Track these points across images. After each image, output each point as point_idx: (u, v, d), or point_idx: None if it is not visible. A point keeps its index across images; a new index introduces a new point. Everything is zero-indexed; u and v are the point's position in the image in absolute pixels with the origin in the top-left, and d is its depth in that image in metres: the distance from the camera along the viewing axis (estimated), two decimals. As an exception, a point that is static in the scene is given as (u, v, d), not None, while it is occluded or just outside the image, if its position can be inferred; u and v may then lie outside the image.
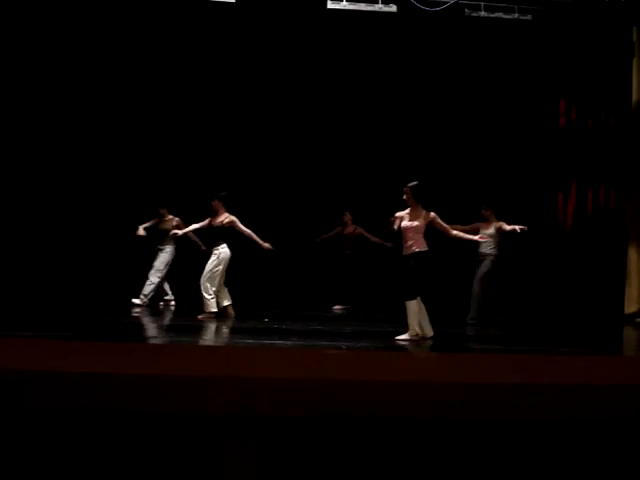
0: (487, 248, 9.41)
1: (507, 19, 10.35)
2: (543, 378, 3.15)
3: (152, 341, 6.97)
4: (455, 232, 7.52)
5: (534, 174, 11.47)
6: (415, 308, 7.20)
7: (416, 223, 7.26)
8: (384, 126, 11.51)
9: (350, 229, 10.85)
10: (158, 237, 10.00)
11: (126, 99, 11.22)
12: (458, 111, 11.44)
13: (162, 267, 9.87)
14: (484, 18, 10.38)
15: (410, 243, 7.28)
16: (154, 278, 9.83)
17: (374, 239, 10.63)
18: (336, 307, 10.58)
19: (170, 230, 9.76)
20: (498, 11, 10.23)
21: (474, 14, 10.26)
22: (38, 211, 10.87)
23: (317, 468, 3.07)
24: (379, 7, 9.80)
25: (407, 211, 7.39)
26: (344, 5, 9.71)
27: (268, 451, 2.95)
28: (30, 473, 2.95)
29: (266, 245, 8.85)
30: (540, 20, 10.72)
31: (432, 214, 7.35)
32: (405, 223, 7.32)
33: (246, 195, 10.92)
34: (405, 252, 7.34)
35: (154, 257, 9.90)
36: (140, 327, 8.37)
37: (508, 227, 9.16)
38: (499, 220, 9.50)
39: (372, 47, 11.23)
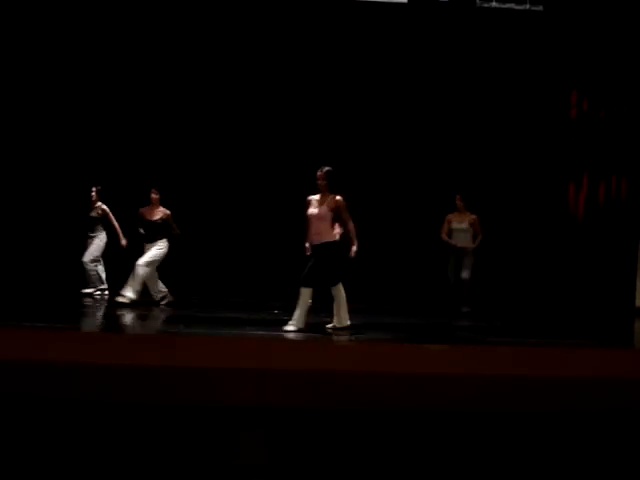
0: (466, 242, 9.35)
1: (518, 10, 10.29)
2: (552, 371, 3.14)
3: (161, 333, 6.99)
4: (351, 227, 7.04)
5: (545, 166, 11.42)
6: (343, 294, 7.05)
7: (320, 210, 6.96)
8: (393, 117, 11.44)
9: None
10: (88, 224, 9.71)
11: (115, 91, 11.06)
12: (469, 102, 11.38)
13: (97, 254, 9.62)
14: (495, 9, 10.32)
15: (317, 232, 7.01)
16: (92, 265, 9.62)
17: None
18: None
19: (98, 217, 9.59)
20: (509, 2, 10.18)
21: (485, 5, 10.21)
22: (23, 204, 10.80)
23: (328, 458, 3.07)
24: (390, -2, 9.76)
25: (317, 197, 7.09)
26: (354, -4, 9.68)
27: (279, 442, 2.96)
28: (49, 465, 2.96)
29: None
30: (551, 11, 10.65)
31: (338, 198, 6.98)
32: (311, 210, 7.02)
33: (247, 186, 10.89)
34: (313, 241, 7.07)
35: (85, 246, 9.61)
36: (147, 318, 8.38)
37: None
38: (472, 213, 9.41)
39: (383, 38, 11.17)
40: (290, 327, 6.99)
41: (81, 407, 2.73)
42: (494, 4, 10.14)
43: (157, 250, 8.92)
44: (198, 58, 11.14)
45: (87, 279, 9.68)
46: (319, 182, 7.03)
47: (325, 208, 6.96)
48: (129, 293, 8.63)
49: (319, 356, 3.23)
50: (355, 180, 10.98)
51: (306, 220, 7.13)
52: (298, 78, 11.23)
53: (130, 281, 8.71)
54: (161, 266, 9.53)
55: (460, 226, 9.39)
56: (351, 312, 9.34)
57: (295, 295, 7.80)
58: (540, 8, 10.32)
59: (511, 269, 10.96)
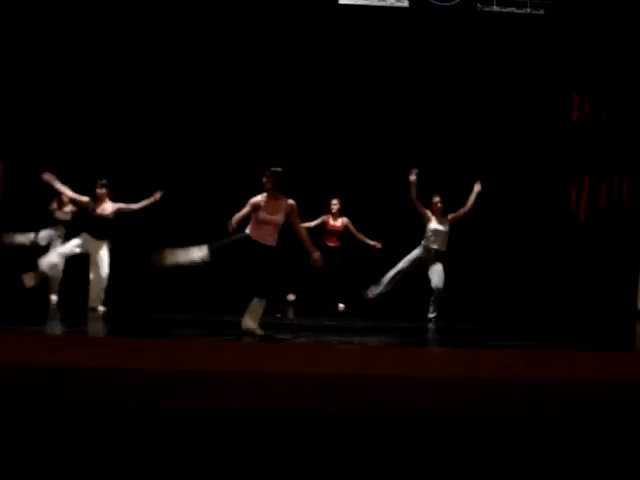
0: (443, 245, 8.78)
1: (519, 14, 10.31)
2: (554, 374, 3.16)
3: (166, 336, 6.99)
4: (305, 235, 6.72)
5: (547, 169, 11.44)
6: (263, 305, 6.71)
7: (278, 218, 6.62)
8: (395, 122, 11.47)
9: (337, 223, 9.90)
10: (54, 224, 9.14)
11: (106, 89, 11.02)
12: (470, 106, 11.40)
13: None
14: (496, 13, 10.35)
15: (270, 235, 6.64)
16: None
17: (359, 236, 9.81)
18: (340, 306, 9.92)
19: (65, 220, 9.07)
20: (510, 6, 10.21)
21: (486, 9, 10.24)
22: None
23: (330, 461, 3.09)
24: (391, 2, 9.79)
25: (265, 199, 6.63)
26: (356, 0, 9.70)
27: (282, 444, 2.97)
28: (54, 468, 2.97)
29: None
30: (552, 14, 10.67)
31: (292, 202, 6.62)
32: (269, 216, 6.59)
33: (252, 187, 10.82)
34: (262, 241, 6.63)
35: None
36: (147, 322, 8.38)
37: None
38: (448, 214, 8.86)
39: (384, 43, 11.20)
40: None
41: (79, 411, 2.74)
42: (495, 8, 10.17)
43: (107, 256, 8.49)
44: (204, 59, 11.14)
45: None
46: (265, 180, 6.61)
47: (282, 215, 6.63)
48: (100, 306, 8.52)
49: (322, 359, 3.24)
50: (360, 183, 11.01)
51: (256, 221, 6.62)
52: (297, 84, 11.26)
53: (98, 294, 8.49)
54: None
55: (442, 228, 8.76)
56: (354, 315, 9.38)
57: (298, 300, 7.82)
58: (541, 12, 10.35)
59: (512, 272, 10.97)
